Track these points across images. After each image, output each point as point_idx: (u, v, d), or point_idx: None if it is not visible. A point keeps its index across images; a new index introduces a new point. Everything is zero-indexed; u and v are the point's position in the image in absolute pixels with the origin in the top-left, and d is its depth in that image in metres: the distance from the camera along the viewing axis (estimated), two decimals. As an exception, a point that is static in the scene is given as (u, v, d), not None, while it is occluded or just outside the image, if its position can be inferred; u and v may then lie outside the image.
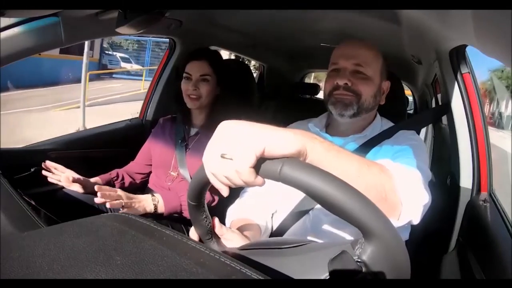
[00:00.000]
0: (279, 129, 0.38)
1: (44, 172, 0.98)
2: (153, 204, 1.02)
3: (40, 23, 0.81)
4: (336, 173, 0.39)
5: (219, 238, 0.55)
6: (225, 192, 0.40)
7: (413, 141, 0.76)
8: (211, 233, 0.53)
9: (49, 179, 0.99)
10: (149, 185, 1.22)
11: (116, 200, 0.92)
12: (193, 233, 0.53)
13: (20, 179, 1.00)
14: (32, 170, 1.04)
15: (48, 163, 0.99)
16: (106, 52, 12.20)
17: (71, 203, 1.03)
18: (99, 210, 1.09)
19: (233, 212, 0.79)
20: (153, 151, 1.22)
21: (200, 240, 0.53)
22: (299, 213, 0.75)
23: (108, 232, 0.34)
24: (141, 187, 1.24)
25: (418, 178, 0.59)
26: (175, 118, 1.25)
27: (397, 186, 0.52)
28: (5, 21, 0.77)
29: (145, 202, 1.01)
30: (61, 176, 0.98)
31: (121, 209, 0.93)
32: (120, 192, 0.95)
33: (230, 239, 0.56)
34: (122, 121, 1.52)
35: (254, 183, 0.37)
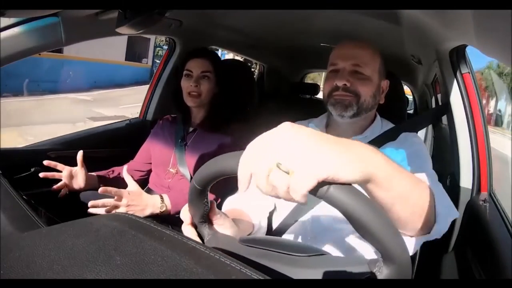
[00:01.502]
0: (345, 151, 0.35)
1: (44, 174, 0.97)
2: (161, 204, 1.00)
3: (40, 23, 0.81)
4: (392, 194, 0.40)
5: (211, 222, 0.54)
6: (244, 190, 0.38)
7: (419, 145, 0.77)
8: (205, 217, 0.52)
9: (52, 178, 0.98)
10: (149, 185, 1.22)
11: (112, 205, 0.90)
12: (185, 212, 0.52)
13: (20, 179, 1.00)
14: (32, 170, 1.04)
15: (48, 162, 0.98)
16: (155, 60, 13.44)
17: (71, 203, 1.03)
18: (99, 210, 1.09)
19: (229, 203, 0.79)
20: (153, 151, 1.22)
21: (193, 223, 0.53)
22: (299, 213, 0.75)
23: (108, 232, 0.34)
24: (140, 186, 1.24)
25: (444, 191, 0.60)
26: (174, 118, 1.26)
27: (435, 202, 0.53)
28: (5, 21, 0.77)
29: (151, 206, 0.98)
30: (62, 174, 0.98)
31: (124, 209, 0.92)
32: (123, 193, 0.91)
33: (222, 224, 0.55)
34: (122, 121, 1.52)
35: (298, 202, 0.35)
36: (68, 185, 1.01)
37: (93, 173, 1.10)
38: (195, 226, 0.53)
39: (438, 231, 0.53)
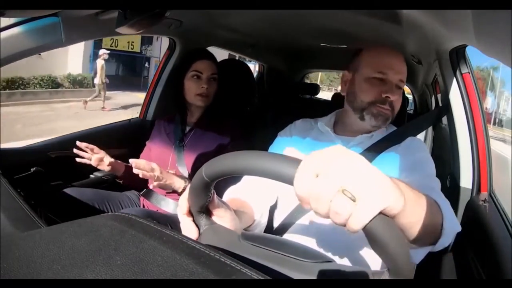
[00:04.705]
0: (394, 183, 0.35)
1: (76, 151, 1.03)
2: (184, 185, 1.03)
3: (40, 23, 0.81)
4: (411, 220, 0.41)
5: (210, 213, 0.53)
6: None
7: (424, 152, 0.79)
8: (204, 208, 0.50)
9: (78, 160, 1.03)
10: (149, 185, 1.22)
11: (150, 173, 0.97)
12: (184, 201, 0.50)
13: (20, 179, 1.00)
14: (32, 170, 1.04)
15: (80, 143, 1.04)
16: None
17: (71, 203, 1.04)
18: (99, 210, 1.09)
19: (231, 193, 0.77)
20: (152, 152, 1.22)
21: (190, 211, 0.51)
22: (302, 211, 0.75)
23: (108, 232, 0.34)
24: (141, 187, 1.24)
25: (449, 204, 0.61)
26: (171, 118, 1.26)
27: (443, 219, 0.55)
28: (5, 21, 0.77)
29: (176, 182, 1.03)
30: (92, 156, 1.04)
31: (154, 183, 0.99)
32: (154, 165, 0.98)
33: (222, 216, 0.53)
34: (122, 121, 1.52)
35: (352, 231, 0.33)
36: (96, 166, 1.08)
37: (121, 162, 1.14)
38: (191, 215, 0.51)
39: (443, 244, 0.55)
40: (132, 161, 0.93)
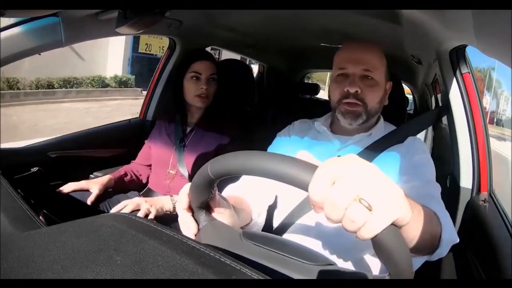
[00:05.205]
0: (403, 194, 0.35)
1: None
2: (172, 204, 1.02)
3: (40, 23, 0.81)
4: (413, 234, 0.42)
5: (210, 209, 0.53)
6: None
7: (425, 154, 0.77)
8: (204, 203, 0.50)
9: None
10: (149, 185, 1.22)
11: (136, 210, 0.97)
12: (184, 196, 0.50)
13: (20, 179, 1.00)
14: (32, 170, 1.04)
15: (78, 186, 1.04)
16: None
17: (71, 203, 1.04)
18: (99, 210, 1.09)
19: (230, 190, 0.77)
20: (153, 152, 1.22)
21: (190, 207, 0.51)
22: (302, 211, 0.75)
23: (108, 232, 0.34)
24: (142, 187, 1.24)
25: (448, 215, 0.61)
26: (170, 118, 1.25)
27: (442, 231, 0.55)
28: (5, 21, 0.77)
29: (165, 202, 1.02)
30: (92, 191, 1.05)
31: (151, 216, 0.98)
32: (138, 200, 0.98)
33: (222, 213, 0.54)
34: (122, 121, 1.52)
35: (363, 239, 0.33)
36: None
37: (110, 176, 1.13)
38: (191, 210, 0.51)
39: (440, 254, 0.56)
40: (115, 209, 0.97)
